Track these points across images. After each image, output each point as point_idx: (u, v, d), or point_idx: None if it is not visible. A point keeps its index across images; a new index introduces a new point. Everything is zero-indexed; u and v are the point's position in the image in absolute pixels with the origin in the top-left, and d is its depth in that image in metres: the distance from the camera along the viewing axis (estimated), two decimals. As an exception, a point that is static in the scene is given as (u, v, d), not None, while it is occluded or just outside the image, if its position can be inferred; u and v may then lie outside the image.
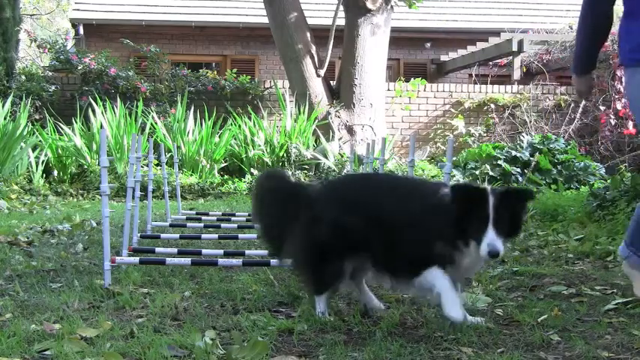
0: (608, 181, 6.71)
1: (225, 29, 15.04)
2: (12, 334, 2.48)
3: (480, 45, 13.38)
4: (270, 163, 9.82)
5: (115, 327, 2.58)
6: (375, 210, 2.67)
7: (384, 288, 3.37)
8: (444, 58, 15.22)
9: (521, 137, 10.21)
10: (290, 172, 9.29)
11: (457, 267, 2.56)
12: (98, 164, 8.92)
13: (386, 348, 2.38)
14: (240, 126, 10.23)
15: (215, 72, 12.17)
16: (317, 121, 10.25)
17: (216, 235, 4.71)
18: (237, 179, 9.49)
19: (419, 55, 15.80)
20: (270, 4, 10.59)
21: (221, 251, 3.94)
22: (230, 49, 15.28)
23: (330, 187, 3.04)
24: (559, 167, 9.30)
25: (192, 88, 11.02)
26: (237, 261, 3.65)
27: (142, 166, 7.18)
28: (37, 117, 10.26)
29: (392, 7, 10.62)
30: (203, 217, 5.82)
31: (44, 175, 9.22)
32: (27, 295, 3.15)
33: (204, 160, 9.75)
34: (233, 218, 5.78)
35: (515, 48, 12.25)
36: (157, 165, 8.03)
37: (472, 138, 11.62)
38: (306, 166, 9.63)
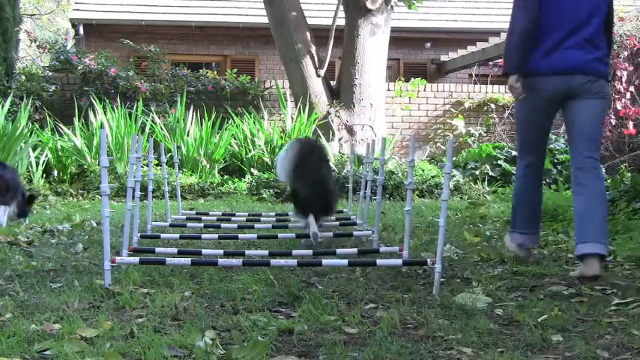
0: (608, 181, 6.72)
1: (225, 29, 15.02)
2: (12, 334, 2.47)
3: (480, 45, 13.36)
4: (270, 163, 9.82)
5: (115, 327, 2.58)
6: None
7: (385, 288, 3.37)
8: (444, 58, 15.20)
9: (521, 137, 10.20)
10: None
11: None
12: (98, 164, 8.91)
13: (386, 348, 2.38)
14: (239, 126, 10.23)
15: (215, 72, 12.16)
16: (317, 121, 10.25)
17: (216, 235, 4.70)
18: (237, 179, 9.48)
19: (419, 55, 15.79)
20: (270, 4, 10.58)
21: (221, 251, 3.93)
22: (230, 49, 15.27)
23: None
24: (559, 167, 9.32)
25: (192, 88, 11.01)
26: (237, 261, 3.65)
27: (142, 166, 7.18)
28: (37, 117, 10.26)
29: (392, 7, 10.61)
30: (203, 217, 5.82)
31: (44, 175, 9.21)
32: (27, 295, 3.15)
33: (204, 160, 9.75)
34: (233, 218, 5.78)
35: (515, 48, 12.22)
36: (157, 165, 8.02)
37: (472, 138, 11.62)
38: (306, 166, 9.61)
